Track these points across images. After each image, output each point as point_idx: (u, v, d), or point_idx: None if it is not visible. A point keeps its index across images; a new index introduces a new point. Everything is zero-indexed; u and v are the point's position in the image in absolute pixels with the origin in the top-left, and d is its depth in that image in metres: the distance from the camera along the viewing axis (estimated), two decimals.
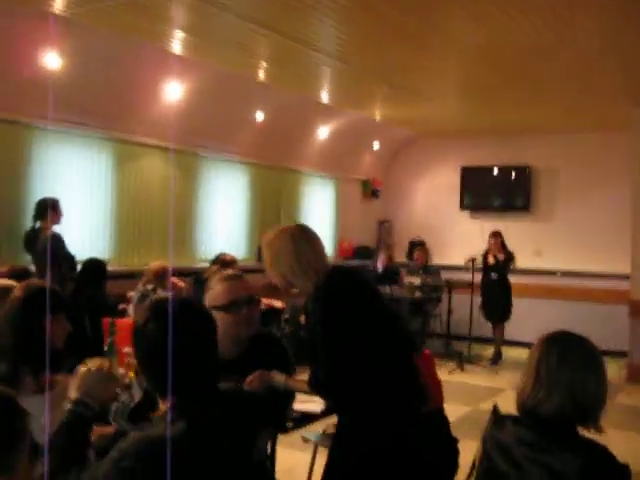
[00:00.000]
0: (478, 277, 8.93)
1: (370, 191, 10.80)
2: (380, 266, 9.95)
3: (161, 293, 5.52)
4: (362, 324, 2.43)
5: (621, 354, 8.37)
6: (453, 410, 6.50)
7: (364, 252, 10.56)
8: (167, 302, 1.68)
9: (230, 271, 3.10)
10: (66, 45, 5.72)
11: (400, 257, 10.78)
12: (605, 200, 9.60)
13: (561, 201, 10.08)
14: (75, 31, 5.59)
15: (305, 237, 2.65)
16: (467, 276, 8.84)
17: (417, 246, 10.24)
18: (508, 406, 6.95)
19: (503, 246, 8.86)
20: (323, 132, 9.41)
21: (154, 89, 6.81)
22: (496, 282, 8.79)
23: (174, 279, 5.71)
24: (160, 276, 5.47)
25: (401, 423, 2.40)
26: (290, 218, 9.29)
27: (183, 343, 1.65)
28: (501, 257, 8.78)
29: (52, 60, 5.62)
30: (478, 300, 8.89)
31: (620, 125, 8.51)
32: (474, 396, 7.18)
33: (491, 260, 8.80)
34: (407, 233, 11.01)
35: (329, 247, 10.19)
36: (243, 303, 2.74)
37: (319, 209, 9.98)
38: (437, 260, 10.49)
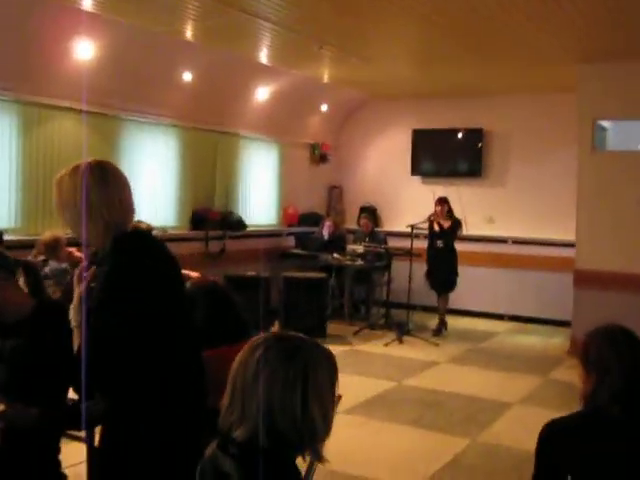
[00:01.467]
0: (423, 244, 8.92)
1: (319, 155, 10.68)
2: (326, 233, 9.94)
3: (53, 265, 5.43)
4: (148, 308, 2.14)
5: (569, 324, 8.36)
6: (372, 386, 6.54)
7: (312, 218, 10.48)
8: None
9: None
10: None
11: (351, 223, 10.74)
12: (558, 164, 9.52)
13: (514, 165, 10.02)
14: None
15: (107, 177, 2.20)
16: (416, 243, 8.78)
17: (365, 212, 10.17)
18: (431, 381, 6.94)
19: (450, 213, 8.78)
20: (263, 93, 9.23)
21: (64, 47, 6.62)
22: (441, 250, 8.76)
23: (72, 249, 5.56)
24: (51, 247, 5.33)
25: (166, 419, 2.18)
26: (227, 184, 9.17)
27: None
28: (446, 225, 8.72)
29: None
30: (424, 268, 8.87)
31: (570, 86, 8.38)
32: (403, 371, 7.16)
33: (436, 227, 8.73)
34: (358, 199, 10.96)
35: (273, 213, 10.09)
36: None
37: (261, 174, 9.83)
38: (388, 227, 10.55)
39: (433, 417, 5.84)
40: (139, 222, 6.98)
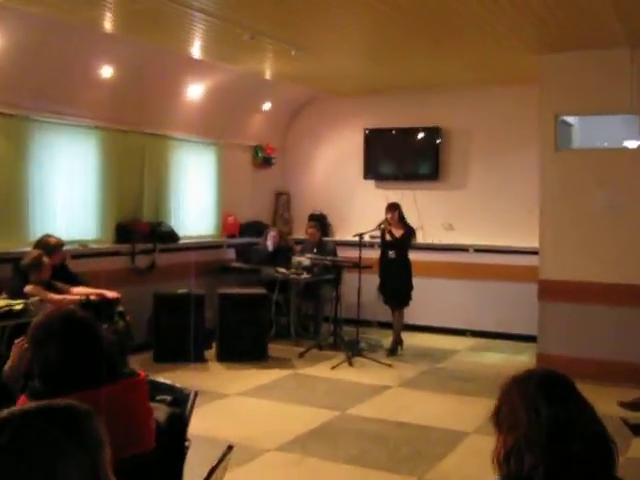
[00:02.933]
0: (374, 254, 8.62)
1: (262, 158, 10.34)
2: (270, 244, 9.66)
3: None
4: None
5: (535, 339, 8.01)
6: (311, 417, 6.13)
7: (255, 228, 10.16)
8: None
9: None
10: None
11: (300, 233, 10.47)
12: (522, 165, 9.26)
13: (475, 167, 9.77)
14: None
15: None
16: (369, 253, 8.51)
17: (313, 220, 9.97)
18: (379, 409, 6.39)
19: (402, 220, 8.50)
20: (196, 90, 8.87)
21: None
22: (394, 261, 8.47)
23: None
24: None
25: None
26: (157, 191, 8.76)
27: None
28: (398, 233, 8.43)
29: None
30: (377, 281, 8.59)
31: (534, 78, 8.05)
32: (349, 397, 6.77)
33: (387, 237, 8.45)
34: (307, 206, 10.69)
35: (211, 223, 9.73)
36: None
37: (197, 180, 9.44)
38: (339, 236, 10.40)
39: (377, 453, 5.39)
40: (48, 236, 6.55)
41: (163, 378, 3.25)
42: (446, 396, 6.90)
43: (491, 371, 7.71)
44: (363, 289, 8.19)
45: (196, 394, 3.02)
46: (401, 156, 10.07)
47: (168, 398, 2.95)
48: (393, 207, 8.48)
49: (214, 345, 8.16)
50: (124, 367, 2.92)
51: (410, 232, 8.50)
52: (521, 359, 8.37)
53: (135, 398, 2.61)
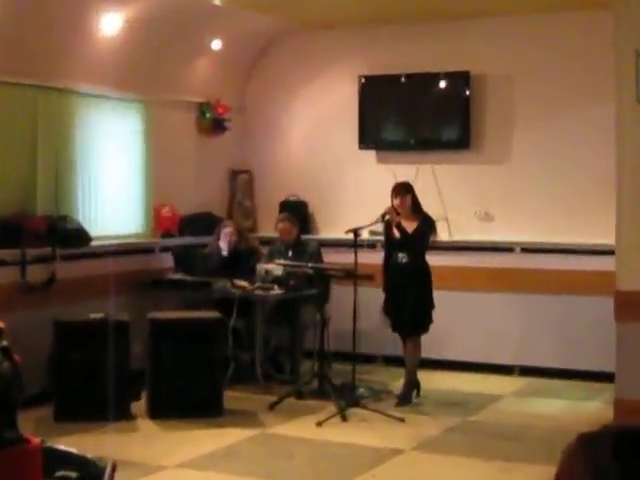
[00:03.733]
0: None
1: (211, 121, 10.48)
2: (224, 246, 9.73)
3: None
4: None
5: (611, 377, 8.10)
6: None
7: (201, 224, 10.31)
8: None
9: None
10: None
11: (267, 229, 10.60)
12: (590, 124, 9.38)
13: (520, 129, 9.87)
14: None
15: None
16: (369, 257, 8.68)
17: (286, 211, 10.12)
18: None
19: (416, 208, 8.57)
20: (111, 23, 8.97)
21: None
22: (405, 268, 8.54)
23: None
24: None
25: None
26: (56, 171, 8.84)
27: None
28: (411, 227, 8.49)
29: None
30: (381, 297, 8.67)
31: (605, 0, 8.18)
32: (343, 470, 6.83)
33: (395, 233, 8.50)
34: (277, 190, 10.80)
35: (137, 217, 9.90)
36: None
37: (115, 154, 9.57)
38: (325, 232, 10.53)
39: None
40: None
41: (67, 445, 3.27)
42: (484, 463, 6.97)
43: (547, 426, 7.83)
44: (361, 309, 8.22)
45: (114, 467, 3.05)
46: (414, 115, 10.14)
47: (73, 475, 2.97)
48: (403, 189, 8.53)
49: (144, 395, 8.18)
50: (9, 430, 2.96)
51: (428, 225, 8.56)
52: (591, 408, 8.50)
53: (23, 474, 2.65)
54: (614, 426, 2.01)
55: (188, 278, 9.46)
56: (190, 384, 8.00)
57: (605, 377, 8.67)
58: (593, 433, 1.94)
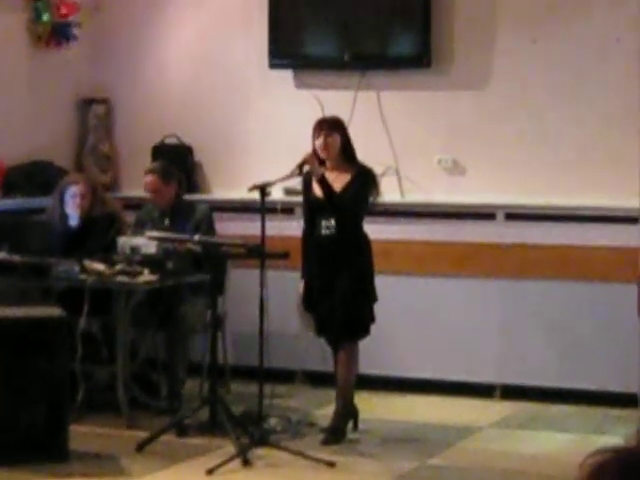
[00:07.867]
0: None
1: (51, 27, 10.52)
2: (72, 211, 9.76)
3: None
4: None
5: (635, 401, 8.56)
6: None
7: (36, 178, 10.43)
8: None
9: None
10: None
11: (134, 187, 10.75)
12: (603, 39, 9.55)
13: (503, 41, 9.97)
14: None
15: None
16: (282, 228, 9.04)
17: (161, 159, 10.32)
18: None
19: (348, 155, 8.68)
20: None
21: None
22: (333, 242, 8.70)
23: None
24: None
25: None
26: None
27: None
28: (340, 183, 8.62)
29: None
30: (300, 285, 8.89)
31: None
32: None
33: (316, 191, 8.60)
34: (149, 127, 10.96)
35: None
36: None
37: None
38: (221, 192, 10.79)
39: None
40: None
41: None
42: None
43: (543, 473, 7.86)
44: (272, 304, 8.36)
45: None
46: (350, 19, 10.26)
47: None
48: (329, 126, 8.71)
49: None
50: None
51: (366, 179, 8.73)
52: (605, 443, 8.49)
53: None
54: (625, 451, 2.00)
55: (16, 258, 9.44)
56: (17, 414, 8.02)
57: (626, 400, 8.82)
58: (599, 462, 1.93)
